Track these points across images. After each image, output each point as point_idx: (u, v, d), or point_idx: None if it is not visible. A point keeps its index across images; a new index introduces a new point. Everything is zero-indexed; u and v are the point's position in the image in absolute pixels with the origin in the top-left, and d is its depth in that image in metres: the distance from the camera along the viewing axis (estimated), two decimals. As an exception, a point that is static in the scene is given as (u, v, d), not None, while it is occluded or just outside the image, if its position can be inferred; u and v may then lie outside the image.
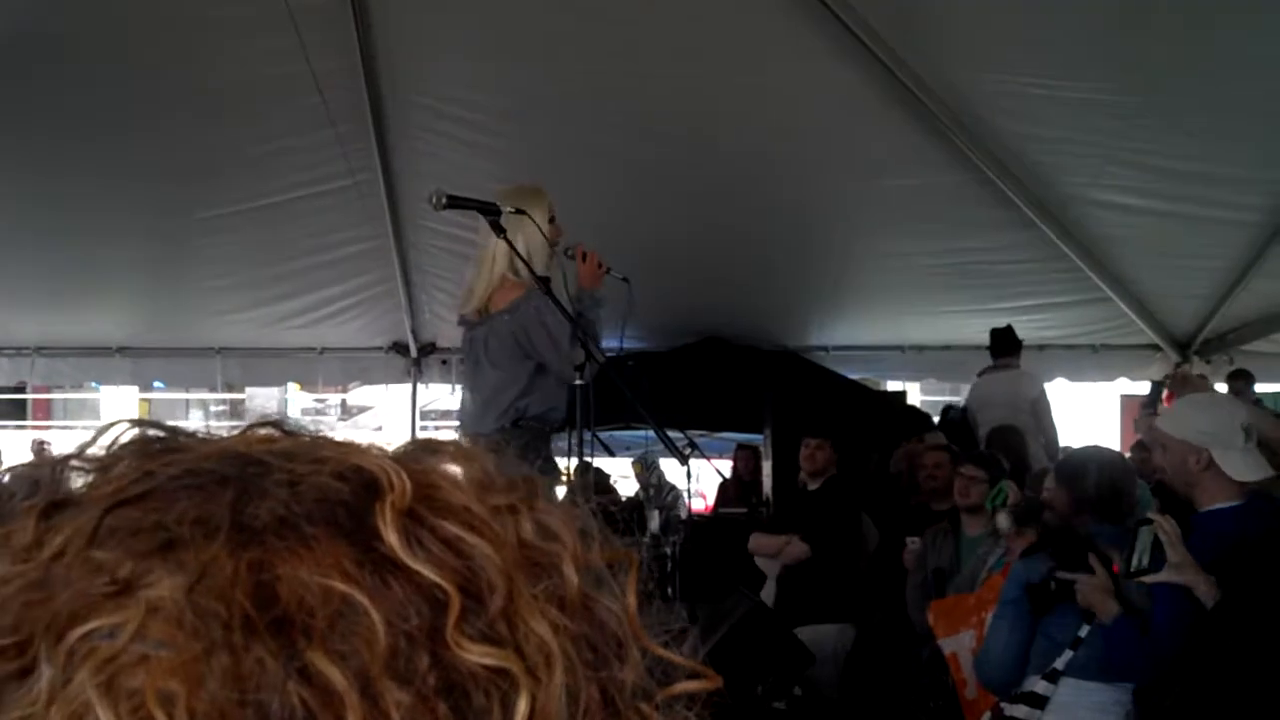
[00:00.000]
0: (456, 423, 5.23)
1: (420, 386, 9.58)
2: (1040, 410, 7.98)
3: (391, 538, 0.52)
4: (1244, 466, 3.81)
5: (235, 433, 0.58)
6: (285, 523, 0.51)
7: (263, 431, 0.59)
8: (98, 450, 0.57)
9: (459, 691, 0.50)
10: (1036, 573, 4.02)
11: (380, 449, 0.57)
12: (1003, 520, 4.69)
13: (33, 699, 0.47)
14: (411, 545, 0.52)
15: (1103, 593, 3.77)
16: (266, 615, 0.48)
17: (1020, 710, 4.00)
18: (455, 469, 0.57)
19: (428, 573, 0.51)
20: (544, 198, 4.51)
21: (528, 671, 0.51)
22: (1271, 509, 3.89)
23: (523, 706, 0.50)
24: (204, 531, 0.51)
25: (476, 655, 0.50)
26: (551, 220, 4.51)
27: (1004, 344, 8.03)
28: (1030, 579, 4.03)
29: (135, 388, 15.86)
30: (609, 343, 4.72)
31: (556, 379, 4.47)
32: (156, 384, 12.53)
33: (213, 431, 0.59)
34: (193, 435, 0.58)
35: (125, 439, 0.58)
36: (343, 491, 0.54)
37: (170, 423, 0.59)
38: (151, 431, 0.58)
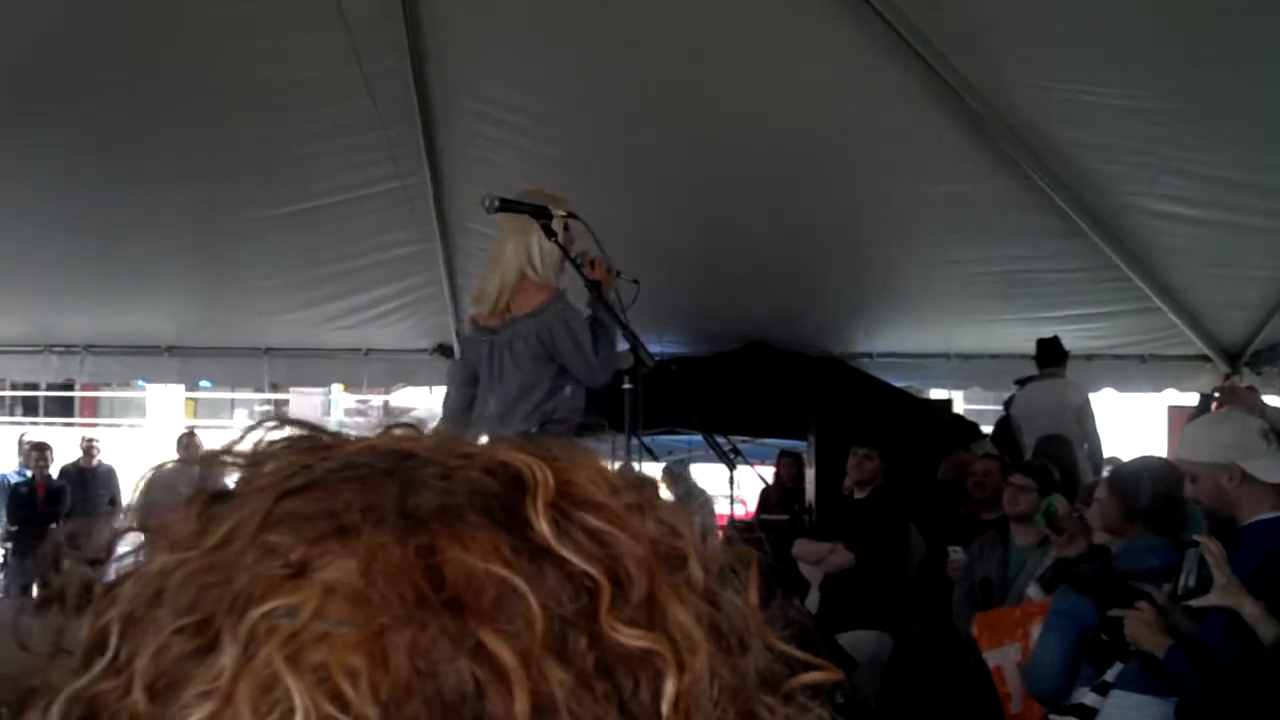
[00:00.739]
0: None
1: (464, 389, 9.59)
2: (1084, 418, 7.89)
3: (544, 528, 0.55)
4: (1277, 467, 3.79)
5: (377, 432, 0.61)
6: (448, 511, 0.55)
7: (401, 431, 0.62)
8: (246, 446, 0.61)
9: (614, 672, 0.53)
10: (1085, 623, 4.00)
11: (516, 446, 0.60)
12: (1033, 589, 4.70)
13: (216, 674, 0.50)
14: (561, 535, 0.55)
15: (1151, 628, 3.73)
16: (440, 596, 0.51)
17: (1069, 722, 3.97)
18: (584, 468, 0.60)
19: (578, 561, 0.54)
20: (562, 204, 4.52)
21: (675, 656, 0.53)
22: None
23: (670, 689, 0.53)
24: (373, 519, 0.54)
25: (629, 638, 0.53)
26: (566, 228, 4.52)
27: (1050, 354, 7.96)
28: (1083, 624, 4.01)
29: (182, 386, 16.01)
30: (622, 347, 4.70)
31: (577, 383, 4.46)
32: (203, 383, 12.63)
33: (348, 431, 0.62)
34: (334, 434, 0.61)
35: (272, 436, 0.61)
36: (492, 484, 0.56)
37: (312, 421, 0.62)
38: (298, 430, 0.61)
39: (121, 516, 0.60)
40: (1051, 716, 4.09)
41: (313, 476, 0.57)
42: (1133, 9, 5.69)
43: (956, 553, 6.04)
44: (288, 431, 0.61)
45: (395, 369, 9.78)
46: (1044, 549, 5.33)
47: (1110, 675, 3.92)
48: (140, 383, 17.59)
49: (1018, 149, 6.69)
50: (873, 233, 7.82)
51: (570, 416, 4.55)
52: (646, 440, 7.98)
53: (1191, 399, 8.56)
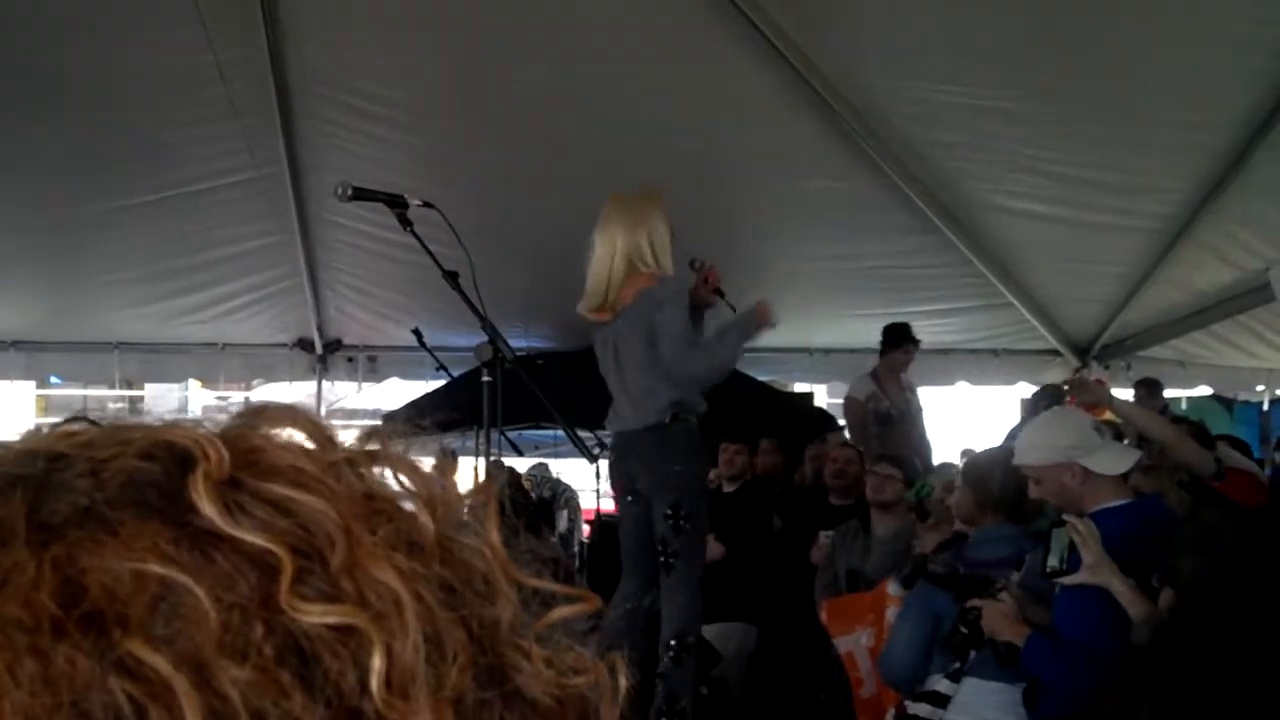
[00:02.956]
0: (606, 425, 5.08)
1: (326, 384, 9.43)
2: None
3: (207, 509, 0.49)
4: (1115, 460, 3.90)
5: (42, 433, 0.55)
6: (88, 513, 0.49)
7: (70, 427, 0.55)
8: None
9: (304, 657, 0.48)
10: (939, 611, 4.07)
11: (196, 422, 0.54)
12: (892, 587, 4.78)
13: None
14: (233, 513, 0.49)
15: (1008, 619, 3.81)
16: (74, 612, 0.45)
17: (923, 709, 4.04)
18: (286, 431, 0.55)
19: (254, 538, 0.49)
20: (660, 200, 4.68)
21: (377, 623, 0.49)
22: (1162, 510, 3.98)
23: (377, 662, 0.48)
24: (1, 538, 0.48)
25: (315, 616, 0.48)
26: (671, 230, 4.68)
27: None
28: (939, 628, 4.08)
29: (32, 383, 15.44)
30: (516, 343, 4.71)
31: (669, 369, 4.50)
32: (53, 379, 12.20)
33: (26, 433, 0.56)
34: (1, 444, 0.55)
35: None
36: (152, 471, 0.51)
37: None
38: None
39: None
40: (906, 703, 4.15)
41: None
42: (985, 11, 5.81)
43: (827, 537, 6.09)
44: None
45: (253, 364, 9.54)
46: (904, 538, 5.40)
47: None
48: (-13, 380, 16.93)
49: (874, 146, 6.79)
50: (733, 229, 7.86)
51: (699, 406, 4.61)
52: (512, 435, 7.95)
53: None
